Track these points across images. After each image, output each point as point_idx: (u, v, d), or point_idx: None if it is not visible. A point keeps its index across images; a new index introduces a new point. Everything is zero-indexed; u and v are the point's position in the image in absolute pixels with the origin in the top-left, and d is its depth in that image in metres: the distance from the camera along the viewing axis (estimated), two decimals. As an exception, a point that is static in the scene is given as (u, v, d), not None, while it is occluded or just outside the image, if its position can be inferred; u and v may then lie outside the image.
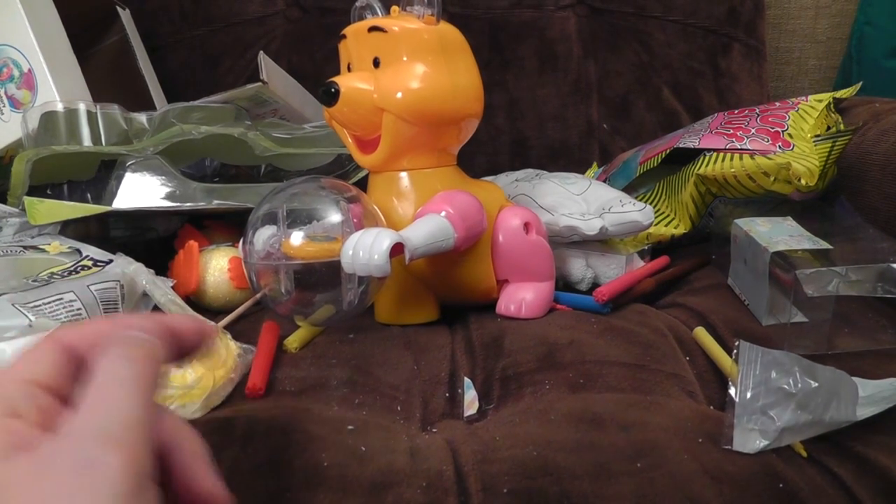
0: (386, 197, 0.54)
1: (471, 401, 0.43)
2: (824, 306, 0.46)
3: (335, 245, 0.49)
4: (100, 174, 0.62)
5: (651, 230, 0.69)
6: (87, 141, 0.60)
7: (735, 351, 0.39)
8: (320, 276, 0.50)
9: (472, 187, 0.55)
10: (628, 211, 0.60)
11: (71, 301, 0.46)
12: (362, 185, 0.57)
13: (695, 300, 0.57)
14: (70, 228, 0.62)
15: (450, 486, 0.34)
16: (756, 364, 0.38)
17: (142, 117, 0.63)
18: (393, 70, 0.51)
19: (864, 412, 0.37)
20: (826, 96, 0.75)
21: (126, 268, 0.52)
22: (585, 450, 0.36)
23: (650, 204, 0.73)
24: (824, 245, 0.50)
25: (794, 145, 0.67)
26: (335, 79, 0.51)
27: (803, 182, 0.62)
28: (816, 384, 0.36)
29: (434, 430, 0.41)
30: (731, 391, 0.37)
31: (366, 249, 0.45)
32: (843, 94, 0.77)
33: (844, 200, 0.62)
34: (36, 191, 0.61)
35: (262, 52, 0.78)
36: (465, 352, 0.50)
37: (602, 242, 0.63)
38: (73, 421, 0.22)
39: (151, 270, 0.54)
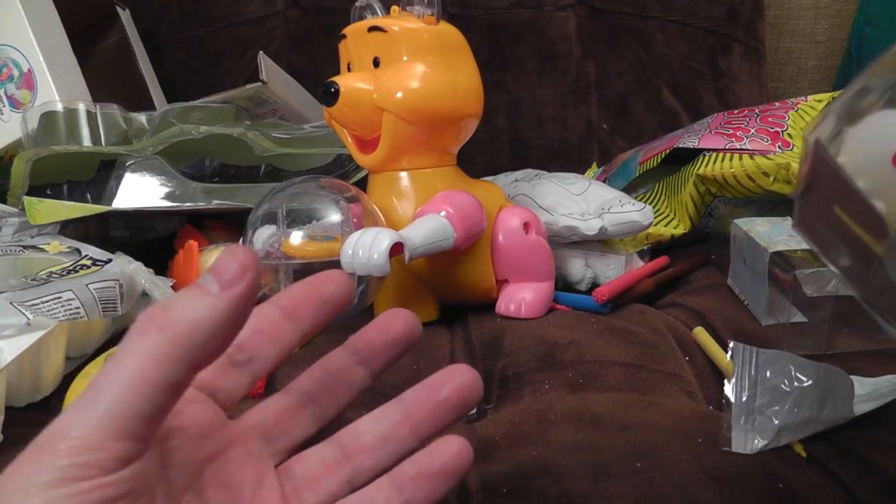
0: (386, 197, 0.54)
1: (470, 401, 0.43)
2: (824, 306, 0.46)
3: (335, 245, 0.49)
4: (99, 174, 0.62)
5: (651, 230, 0.69)
6: (86, 141, 0.60)
7: (729, 352, 0.39)
8: (320, 276, 0.50)
9: (472, 187, 0.55)
10: (628, 211, 0.60)
11: (69, 300, 0.45)
12: (362, 185, 0.57)
13: (694, 300, 0.57)
14: (70, 228, 0.62)
15: (449, 485, 0.34)
16: (750, 364, 0.38)
17: (141, 117, 0.63)
18: (393, 70, 0.51)
19: (861, 408, 0.37)
20: (826, 96, 0.75)
21: (125, 267, 0.52)
22: (585, 450, 0.36)
23: (650, 204, 0.72)
24: (824, 245, 0.50)
25: (793, 145, 0.67)
26: (335, 78, 0.51)
27: (803, 182, 0.62)
28: (811, 381, 0.36)
29: (433, 430, 0.40)
30: (728, 393, 0.37)
31: (365, 249, 0.45)
32: (842, 94, 0.77)
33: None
34: (35, 191, 0.61)
35: (261, 52, 0.78)
36: (464, 351, 0.50)
37: (601, 242, 0.63)
38: None
39: (151, 270, 0.54)
